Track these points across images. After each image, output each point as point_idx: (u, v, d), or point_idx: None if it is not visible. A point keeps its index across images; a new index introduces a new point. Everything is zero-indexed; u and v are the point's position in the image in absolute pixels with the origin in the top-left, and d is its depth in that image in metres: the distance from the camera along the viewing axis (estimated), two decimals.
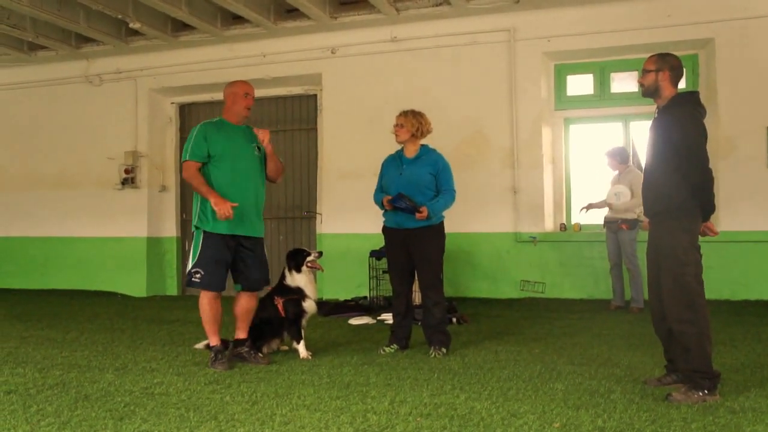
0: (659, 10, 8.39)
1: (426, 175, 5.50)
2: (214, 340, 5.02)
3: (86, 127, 10.94)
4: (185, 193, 10.98)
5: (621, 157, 7.92)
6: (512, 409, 3.73)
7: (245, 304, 5.19)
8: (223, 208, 4.76)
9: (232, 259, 5.06)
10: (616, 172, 7.94)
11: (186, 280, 5.07)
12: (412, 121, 5.56)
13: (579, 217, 8.94)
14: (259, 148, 5.18)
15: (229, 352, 5.09)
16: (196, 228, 5.00)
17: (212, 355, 4.97)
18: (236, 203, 4.84)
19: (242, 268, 5.14)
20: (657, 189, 4.10)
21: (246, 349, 5.12)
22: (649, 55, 4.28)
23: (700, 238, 4.12)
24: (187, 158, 4.97)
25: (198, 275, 4.92)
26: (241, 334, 5.20)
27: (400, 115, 5.62)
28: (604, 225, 8.00)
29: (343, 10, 9.21)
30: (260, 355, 5.14)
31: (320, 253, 5.65)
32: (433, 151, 5.66)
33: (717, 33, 8.28)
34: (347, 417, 3.59)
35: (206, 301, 5.00)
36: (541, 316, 7.47)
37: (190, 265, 4.98)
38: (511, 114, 8.98)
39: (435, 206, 5.39)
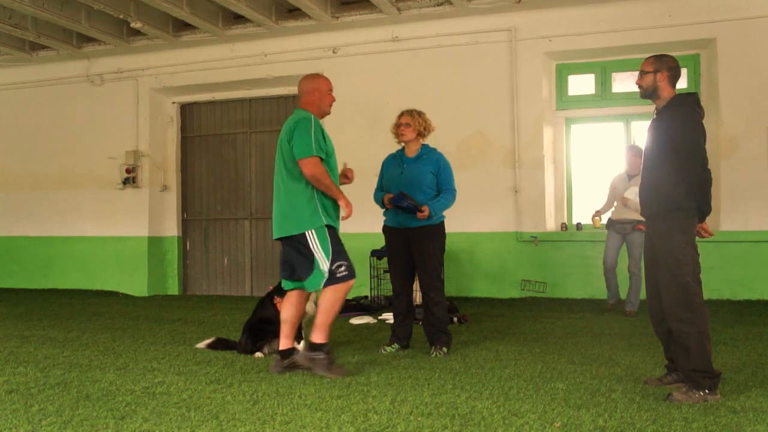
0: (661, 10, 8.39)
1: (427, 174, 5.50)
2: (324, 338, 4.64)
3: (87, 127, 10.95)
4: (186, 192, 11.00)
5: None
6: (513, 408, 3.73)
7: (302, 308, 4.95)
8: (351, 209, 4.66)
9: None
10: (623, 171, 7.68)
11: (326, 282, 4.61)
12: (419, 120, 5.58)
13: (583, 217, 8.97)
14: None
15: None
16: (319, 227, 4.64)
17: (327, 355, 4.61)
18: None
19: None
20: (655, 189, 4.10)
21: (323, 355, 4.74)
22: (649, 55, 4.29)
23: (699, 238, 4.12)
24: (314, 153, 4.61)
25: (342, 268, 4.61)
26: (290, 342, 4.85)
27: (406, 114, 5.61)
28: (609, 226, 7.64)
29: (345, 9, 9.21)
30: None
31: None
32: (434, 150, 5.66)
33: (718, 33, 8.27)
34: (348, 416, 3.59)
35: (345, 292, 4.67)
36: (542, 316, 7.47)
37: (326, 264, 4.59)
38: (512, 114, 8.97)
39: (436, 205, 5.39)
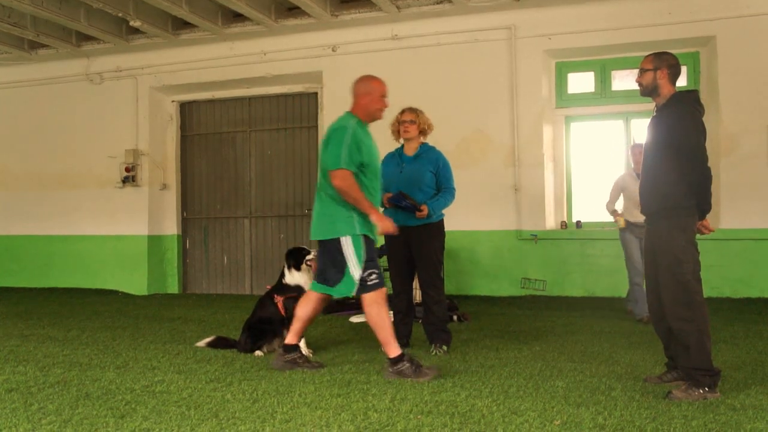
0: (660, 7, 8.39)
1: (426, 173, 5.49)
2: (395, 350, 4.52)
3: (87, 126, 10.94)
4: (186, 191, 11.00)
5: None
6: (513, 406, 3.73)
7: (317, 309, 4.89)
8: (387, 224, 4.57)
9: None
10: (630, 170, 7.55)
11: (357, 291, 4.56)
12: (423, 118, 5.58)
13: (583, 216, 8.98)
14: None
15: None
16: (354, 235, 4.56)
17: (408, 364, 4.46)
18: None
19: None
20: (655, 188, 4.10)
21: (298, 355, 4.85)
22: (649, 52, 4.28)
23: (700, 235, 4.12)
24: (343, 167, 4.49)
25: (374, 276, 4.54)
26: (295, 338, 4.87)
27: (409, 111, 5.59)
28: (626, 228, 6.92)
29: (344, 7, 9.21)
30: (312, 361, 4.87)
31: None
32: (433, 148, 5.66)
33: (718, 31, 8.27)
34: (348, 414, 3.59)
35: (381, 301, 4.57)
36: (542, 314, 7.47)
37: (357, 272, 4.53)
38: (512, 112, 8.97)
39: (435, 204, 5.39)
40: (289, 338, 4.84)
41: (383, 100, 4.79)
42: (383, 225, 4.56)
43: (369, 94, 4.76)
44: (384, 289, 4.63)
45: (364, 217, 4.58)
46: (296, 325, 4.83)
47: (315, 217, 4.78)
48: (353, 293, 4.61)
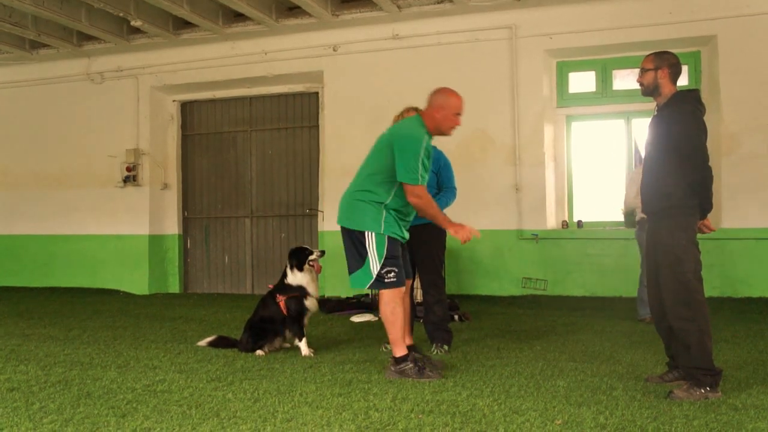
0: (661, 7, 8.38)
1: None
2: (402, 349, 4.54)
3: (88, 125, 10.95)
4: (187, 190, 11.01)
5: None
6: (514, 406, 3.73)
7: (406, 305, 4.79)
8: (465, 234, 4.50)
9: None
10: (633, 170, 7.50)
11: (372, 284, 4.59)
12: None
13: (584, 215, 8.97)
14: None
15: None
16: (379, 234, 4.54)
17: (411, 365, 4.47)
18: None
19: None
20: (656, 187, 4.10)
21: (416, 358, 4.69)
22: (650, 52, 4.28)
23: (701, 235, 4.12)
24: (421, 183, 4.50)
25: (392, 274, 4.53)
26: (408, 340, 4.85)
27: (411, 110, 5.58)
28: (643, 227, 6.46)
29: (345, 7, 9.21)
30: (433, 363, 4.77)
31: (322, 253, 5.61)
32: (434, 148, 5.64)
33: (719, 30, 8.26)
34: (349, 414, 3.59)
35: (398, 299, 4.58)
36: (543, 314, 7.47)
37: (376, 267, 4.53)
38: (513, 111, 8.97)
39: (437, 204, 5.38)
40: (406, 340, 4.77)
41: (457, 118, 4.72)
42: (462, 235, 4.51)
43: (444, 109, 4.68)
44: (402, 289, 4.61)
45: (391, 223, 4.58)
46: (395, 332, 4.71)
47: (346, 203, 4.73)
48: (367, 286, 4.62)
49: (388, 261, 4.55)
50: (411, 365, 4.46)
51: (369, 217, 4.58)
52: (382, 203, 4.58)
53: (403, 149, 4.52)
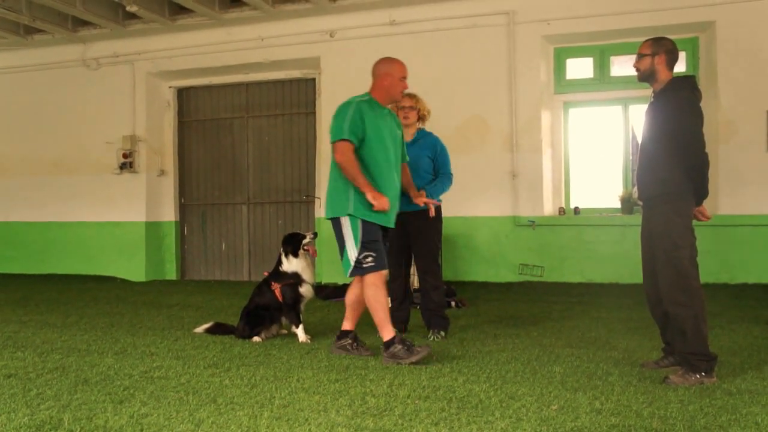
0: None
1: (424, 159, 5.49)
2: (389, 332, 4.54)
3: (84, 112, 10.90)
4: (184, 177, 10.98)
5: None
6: (510, 391, 3.74)
7: (359, 293, 4.79)
8: (381, 203, 4.49)
9: None
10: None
11: (351, 272, 4.62)
12: (421, 103, 5.59)
13: (580, 202, 8.97)
14: (401, 135, 4.89)
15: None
16: (351, 216, 4.59)
17: (400, 346, 4.48)
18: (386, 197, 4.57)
19: None
20: (652, 173, 4.09)
21: (350, 341, 4.81)
22: (647, 38, 4.26)
23: (697, 222, 4.13)
24: (344, 137, 4.51)
25: (370, 258, 4.54)
26: (348, 324, 4.87)
27: (409, 97, 5.56)
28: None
29: None
30: (365, 347, 4.80)
31: (315, 234, 5.59)
32: (430, 134, 5.65)
33: (717, 16, 8.23)
34: (346, 400, 3.60)
35: (380, 283, 4.58)
36: (540, 300, 7.49)
37: (354, 254, 4.57)
38: (510, 98, 8.94)
39: (432, 190, 5.38)
40: (344, 324, 4.88)
41: (403, 81, 4.82)
42: (378, 203, 4.51)
43: (389, 76, 4.79)
44: (383, 273, 4.62)
45: (361, 198, 4.56)
46: (347, 312, 4.88)
47: (326, 196, 4.84)
48: (348, 274, 4.65)
49: (364, 245, 4.57)
50: (399, 347, 4.48)
51: (339, 202, 4.66)
52: (349, 184, 4.61)
53: (334, 117, 4.66)
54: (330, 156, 4.76)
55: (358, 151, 4.60)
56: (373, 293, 4.58)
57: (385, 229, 4.76)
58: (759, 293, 7.58)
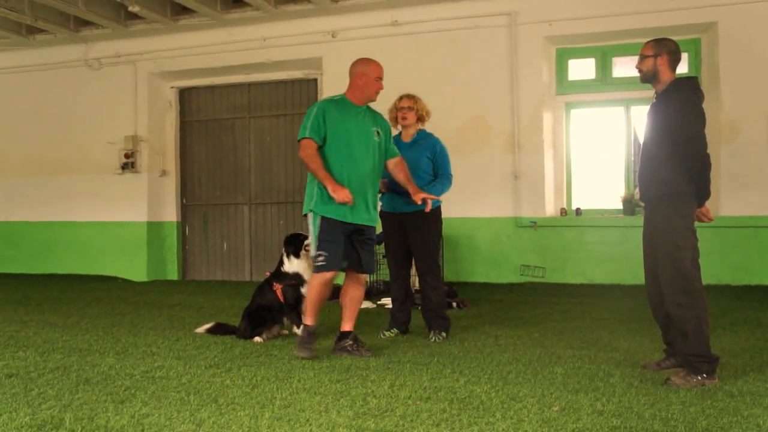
0: None
1: (423, 159, 5.49)
2: (310, 320, 4.79)
3: (85, 112, 10.91)
4: (185, 177, 10.99)
5: None
6: (512, 392, 3.74)
7: (353, 292, 4.91)
8: (341, 195, 4.54)
9: (345, 245, 4.78)
10: None
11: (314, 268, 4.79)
12: (420, 104, 5.57)
13: (582, 203, 8.97)
14: (378, 132, 4.89)
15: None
16: (312, 212, 4.73)
17: (304, 334, 4.75)
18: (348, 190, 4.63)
19: (355, 255, 4.85)
20: (654, 174, 4.09)
21: (350, 342, 4.81)
22: (650, 39, 4.26)
23: (699, 223, 4.12)
24: (306, 135, 4.69)
25: (321, 258, 4.66)
26: (347, 325, 4.88)
27: (407, 98, 5.57)
28: None
29: None
30: (365, 348, 4.81)
31: None
32: (431, 135, 5.65)
33: (720, 17, 8.22)
34: (347, 400, 3.60)
35: (321, 281, 4.71)
36: (541, 301, 7.48)
37: (313, 250, 4.74)
38: (512, 98, 8.94)
39: (431, 190, 5.36)
40: (343, 325, 4.92)
41: (378, 82, 4.89)
42: (338, 195, 4.57)
43: (364, 75, 4.87)
44: (329, 275, 4.71)
45: (324, 195, 4.68)
46: (343, 313, 4.96)
47: None
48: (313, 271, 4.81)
49: (320, 243, 4.70)
50: (303, 336, 4.75)
51: (307, 198, 4.81)
52: (315, 181, 4.74)
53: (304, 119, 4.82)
54: None
55: (322, 149, 4.73)
56: (317, 292, 4.75)
57: (361, 228, 4.81)
58: (761, 295, 7.57)
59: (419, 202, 5.02)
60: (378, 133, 4.89)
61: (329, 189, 4.59)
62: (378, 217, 5.00)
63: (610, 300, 7.44)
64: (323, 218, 4.69)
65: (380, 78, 4.90)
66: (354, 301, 4.91)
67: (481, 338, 5.39)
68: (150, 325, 6.19)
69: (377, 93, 4.92)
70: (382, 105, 5.69)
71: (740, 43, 8.17)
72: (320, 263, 4.68)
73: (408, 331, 5.65)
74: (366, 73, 4.87)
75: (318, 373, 4.21)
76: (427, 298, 5.49)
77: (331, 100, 4.89)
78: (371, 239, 4.91)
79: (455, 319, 5.97)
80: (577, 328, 5.78)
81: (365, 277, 5.00)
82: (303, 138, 4.71)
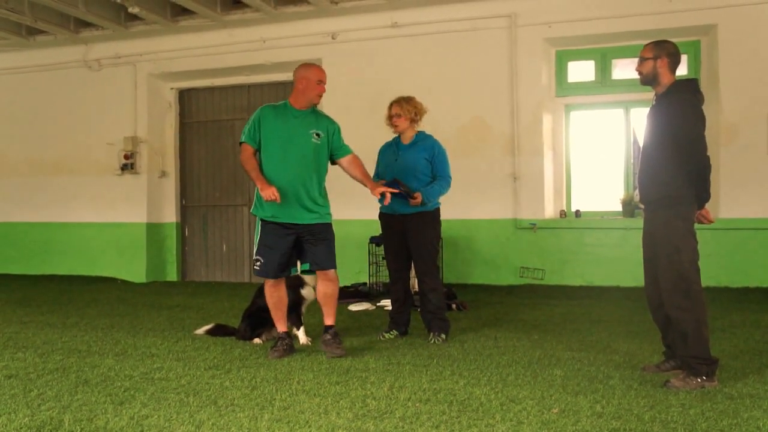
0: None
1: (421, 161, 5.49)
2: (279, 327, 5.05)
3: (85, 113, 10.91)
4: (185, 178, 10.98)
5: None
6: (511, 394, 3.74)
7: (324, 289, 4.99)
8: (266, 192, 4.66)
9: (293, 245, 4.92)
10: None
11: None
12: (407, 108, 5.55)
13: (582, 205, 8.97)
14: (318, 134, 4.97)
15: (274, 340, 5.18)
16: (256, 216, 4.99)
17: (274, 342, 5.05)
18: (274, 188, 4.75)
19: (306, 253, 4.97)
20: (654, 176, 4.09)
21: (328, 337, 4.90)
22: (650, 41, 4.26)
23: (699, 225, 4.12)
24: (242, 140, 4.94)
25: (258, 263, 4.92)
26: (327, 320, 5.00)
27: (395, 105, 5.58)
28: None
29: None
30: (337, 346, 4.84)
31: None
32: (429, 136, 5.65)
33: (719, 19, 8.22)
34: (346, 402, 3.60)
35: (267, 286, 5.02)
36: (541, 303, 7.48)
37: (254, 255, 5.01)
38: (511, 100, 8.94)
39: (429, 192, 5.37)
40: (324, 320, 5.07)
41: (320, 85, 5.02)
42: (264, 193, 4.70)
43: (305, 79, 5.00)
44: (270, 281, 4.95)
45: (259, 198, 4.87)
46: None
47: None
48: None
49: (259, 248, 4.92)
50: (278, 342, 4.94)
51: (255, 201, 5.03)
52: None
53: None
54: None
55: (259, 152, 4.94)
56: (268, 296, 5.02)
57: (308, 228, 4.89)
58: (760, 297, 7.58)
59: (377, 196, 5.06)
60: (317, 135, 4.97)
61: (258, 186, 4.76)
62: (328, 213, 5.05)
63: (610, 302, 7.44)
64: (264, 223, 4.91)
65: (322, 81, 5.03)
66: (327, 297, 5.01)
67: (481, 340, 5.39)
68: (149, 327, 6.19)
69: (319, 96, 5.05)
70: (381, 107, 5.70)
71: (740, 46, 8.18)
72: (256, 268, 4.93)
73: (407, 333, 5.65)
74: (307, 77, 4.99)
75: (317, 375, 4.21)
76: (426, 299, 5.49)
77: (272, 106, 5.08)
78: (322, 237, 4.95)
79: (454, 321, 5.97)
80: (576, 330, 5.78)
81: (333, 273, 5.00)
82: (241, 142, 4.96)
